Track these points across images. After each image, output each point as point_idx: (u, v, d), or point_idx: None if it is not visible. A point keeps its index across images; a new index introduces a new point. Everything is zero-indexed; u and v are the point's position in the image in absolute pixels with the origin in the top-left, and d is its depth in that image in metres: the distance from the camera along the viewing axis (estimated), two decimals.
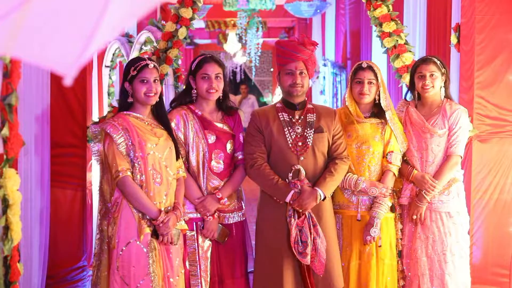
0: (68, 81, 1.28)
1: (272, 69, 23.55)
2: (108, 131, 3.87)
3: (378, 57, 8.49)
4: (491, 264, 5.18)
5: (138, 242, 3.83)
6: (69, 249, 5.37)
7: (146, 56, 4.27)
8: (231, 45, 17.68)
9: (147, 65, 3.96)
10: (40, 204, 4.80)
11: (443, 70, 4.54)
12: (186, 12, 5.16)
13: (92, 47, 1.32)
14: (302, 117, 4.30)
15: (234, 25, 16.65)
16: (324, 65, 12.60)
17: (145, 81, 3.94)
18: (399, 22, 5.31)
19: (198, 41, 19.88)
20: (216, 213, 4.23)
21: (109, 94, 6.86)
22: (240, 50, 18.80)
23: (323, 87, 12.73)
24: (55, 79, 4.93)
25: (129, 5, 1.43)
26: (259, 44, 14.77)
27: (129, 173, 3.85)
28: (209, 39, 19.98)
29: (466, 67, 5.27)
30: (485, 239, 5.15)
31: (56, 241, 5.22)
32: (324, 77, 12.71)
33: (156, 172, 3.89)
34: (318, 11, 10.96)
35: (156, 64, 4.03)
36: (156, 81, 3.98)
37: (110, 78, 6.86)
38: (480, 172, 5.13)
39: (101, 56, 6.63)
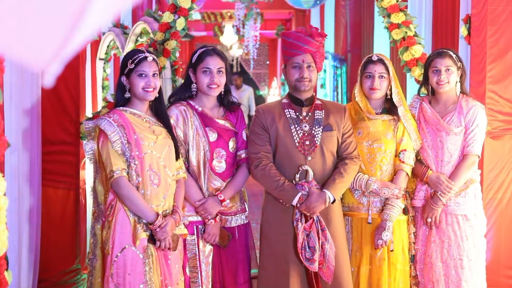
0: (48, 81, 1.03)
1: (268, 62, 23.41)
2: (103, 128, 3.63)
3: (380, 50, 8.29)
4: (503, 266, 4.99)
5: (133, 248, 3.59)
6: (61, 251, 5.15)
7: (144, 48, 4.03)
8: (228, 37, 17.45)
9: (145, 57, 3.71)
10: (30, 204, 4.58)
11: (459, 64, 4.31)
12: (185, 2, 4.91)
13: (73, 40, 1.08)
14: (309, 114, 4.06)
15: (230, 17, 16.44)
16: (325, 57, 12.36)
17: (144, 75, 3.70)
18: (408, 13, 5.07)
19: (193, 33, 19.67)
20: (218, 216, 3.99)
21: (103, 88, 6.67)
22: (236, 43, 18.59)
23: (324, 81, 12.52)
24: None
25: None
26: (257, 36, 14.54)
27: (124, 174, 3.60)
28: (205, 31, 19.79)
29: (477, 60, 5.05)
30: (497, 240, 4.94)
31: (48, 243, 5.00)
32: (324, 70, 12.50)
33: (154, 173, 3.65)
34: (318, 2, 10.72)
35: (155, 57, 3.78)
36: (156, 75, 3.73)
37: (104, 71, 6.67)
38: (492, 170, 4.92)
39: (94, 48, 6.41)
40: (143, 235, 3.59)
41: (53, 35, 1.08)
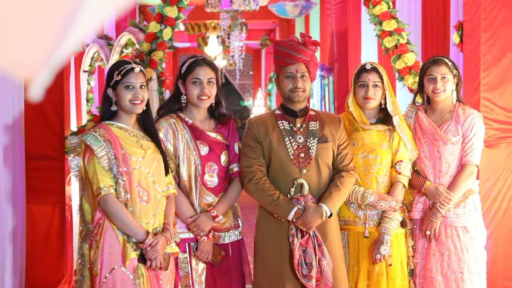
0: (35, 93, 0.90)
1: (251, 72, 23.34)
2: (88, 143, 3.47)
3: (368, 59, 8.17)
4: (501, 277, 4.88)
5: (123, 268, 3.43)
6: (47, 271, 4.99)
7: (130, 60, 3.89)
8: (212, 48, 17.34)
9: (132, 69, 3.56)
10: (12, 223, 4.43)
11: (455, 72, 4.20)
12: (171, 11, 4.78)
13: (62, 47, 0.95)
14: (304, 125, 3.92)
15: (214, 28, 16.35)
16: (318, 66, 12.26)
17: (131, 87, 3.55)
18: (400, 20, 4.98)
19: (177, 44, 19.55)
20: (211, 233, 3.84)
21: (87, 101, 6.54)
22: (221, 54, 18.49)
23: (311, 91, 12.47)
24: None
25: (105, 4, 1.09)
26: (243, 46, 14.44)
27: (112, 191, 3.44)
28: (189, 42, 19.68)
29: (471, 67, 4.97)
30: (494, 250, 4.84)
31: (33, 263, 4.85)
32: None
33: (143, 189, 3.49)
34: (303, 11, 10.63)
35: (142, 68, 3.63)
36: (143, 87, 3.59)
37: (88, 83, 6.53)
38: (488, 179, 4.82)
39: (78, 61, 6.28)
40: (133, 255, 3.44)
41: (41, 40, 0.95)
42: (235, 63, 16.47)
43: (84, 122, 6.00)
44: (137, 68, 3.58)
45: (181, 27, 16.11)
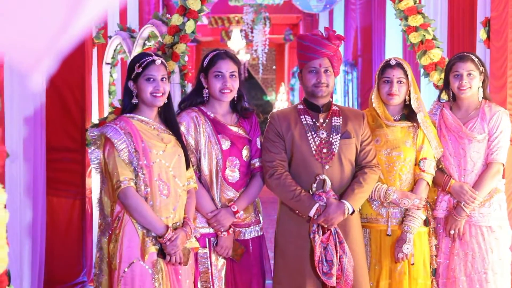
0: (37, 82, 0.86)
1: (274, 67, 23.29)
2: (109, 135, 3.43)
3: (392, 54, 8.09)
4: None
5: (142, 263, 3.39)
6: (67, 263, 4.97)
7: (152, 52, 3.85)
8: (235, 42, 17.31)
9: (153, 61, 3.51)
10: (33, 215, 4.40)
11: (481, 68, 4.12)
12: (194, 4, 4.73)
13: (63, 38, 0.91)
14: (327, 120, 3.87)
15: (238, 22, 16.32)
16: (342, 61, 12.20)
17: (152, 79, 3.50)
18: (426, 15, 4.89)
19: (200, 38, 19.53)
20: (231, 228, 3.80)
21: (110, 93, 6.52)
22: (244, 48, 18.46)
23: (335, 86, 12.40)
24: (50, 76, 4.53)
25: None
26: (266, 41, 14.38)
27: (132, 184, 3.40)
28: (211, 36, 19.67)
29: (497, 64, 4.86)
30: None
31: (53, 255, 4.82)
32: None
33: (163, 183, 3.45)
34: (328, 6, 10.55)
35: (164, 61, 3.58)
36: (164, 79, 3.54)
37: (111, 75, 6.51)
38: None
39: (101, 53, 6.25)
40: (152, 249, 3.40)
41: (43, 29, 0.91)
42: (258, 58, 16.44)
43: (105, 114, 5.98)
44: (158, 61, 3.53)
45: (204, 20, 16.10)
